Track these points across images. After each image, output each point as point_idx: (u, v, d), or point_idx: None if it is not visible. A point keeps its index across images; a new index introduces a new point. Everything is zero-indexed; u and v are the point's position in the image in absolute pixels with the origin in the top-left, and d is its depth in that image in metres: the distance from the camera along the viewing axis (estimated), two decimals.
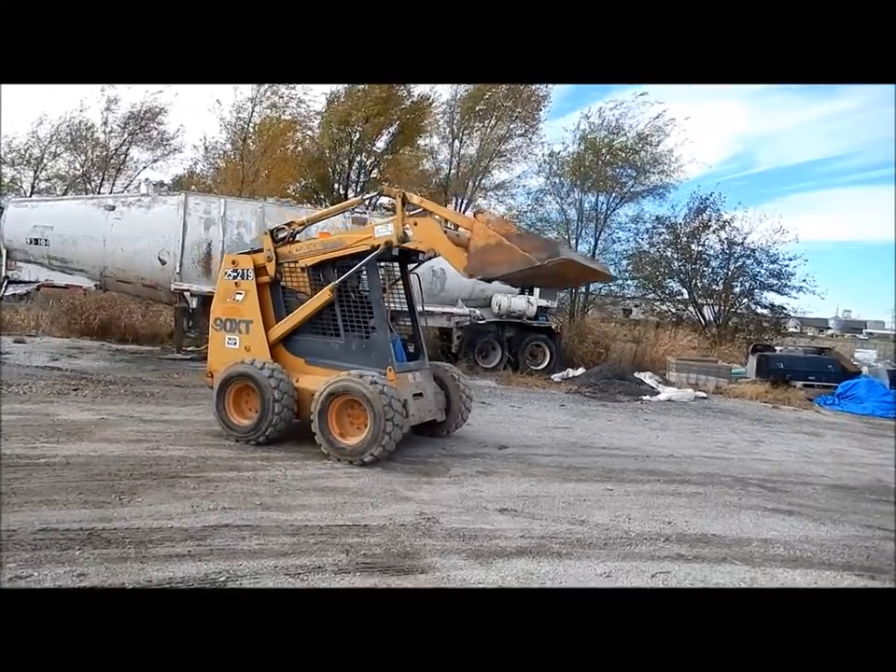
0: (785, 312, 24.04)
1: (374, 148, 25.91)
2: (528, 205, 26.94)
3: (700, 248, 23.81)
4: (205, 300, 12.59)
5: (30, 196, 23.86)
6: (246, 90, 22.82)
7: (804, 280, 22.63)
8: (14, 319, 14.88)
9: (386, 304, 7.05)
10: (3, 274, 12.23)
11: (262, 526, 4.35)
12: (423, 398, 6.94)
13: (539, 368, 15.14)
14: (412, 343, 7.46)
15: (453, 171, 26.58)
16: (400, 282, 7.38)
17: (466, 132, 26.41)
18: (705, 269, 23.88)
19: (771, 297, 23.38)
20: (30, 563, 3.50)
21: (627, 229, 25.76)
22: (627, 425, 10.12)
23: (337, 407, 6.19)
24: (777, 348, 18.87)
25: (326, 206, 22.04)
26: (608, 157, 24.55)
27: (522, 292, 14.91)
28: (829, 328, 52.73)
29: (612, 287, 25.70)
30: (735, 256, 23.30)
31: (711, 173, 58.93)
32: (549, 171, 25.90)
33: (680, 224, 24.02)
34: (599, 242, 25.46)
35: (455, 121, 25.95)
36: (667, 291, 24.73)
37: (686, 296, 24.24)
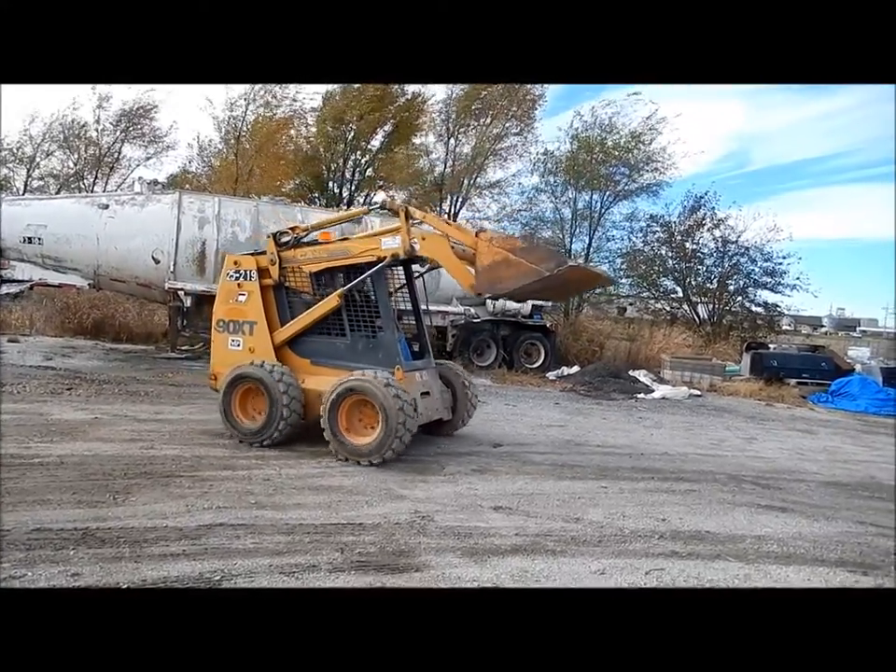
0: (779, 310, 24.14)
1: (369, 147, 25.87)
2: (523, 204, 26.96)
3: (694, 247, 23.86)
4: (199, 298, 12.58)
5: (23, 195, 23.74)
6: (238, 87, 22.76)
7: (797, 278, 22.72)
8: (7, 318, 14.80)
9: (393, 304, 7.03)
10: None
11: (257, 525, 4.35)
12: (430, 396, 6.94)
13: (534, 366, 15.17)
14: (416, 341, 7.46)
15: (448, 169, 26.56)
16: (404, 281, 7.37)
17: (461, 130, 26.41)
18: (699, 267, 23.93)
19: (765, 295, 23.47)
20: (24, 563, 3.49)
21: (621, 227, 25.81)
22: (622, 423, 10.15)
23: (347, 407, 6.15)
24: (770, 346, 18.94)
25: (320, 205, 22.06)
26: (601, 155, 24.58)
27: None
28: (823, 325, 52.96)
29: (607, 286, 25.71)
30: (730, 254, 23.36)
31: (706, 171, 59.11)
32: (543, 169, 25.93)
33: (675, 222, 24.08)
34: (593, 240, 25.50)
35: (451, 120, 25.93)
36: (662, 289, 24.79)
37: (680, 294, 24.30)
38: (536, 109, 26.29)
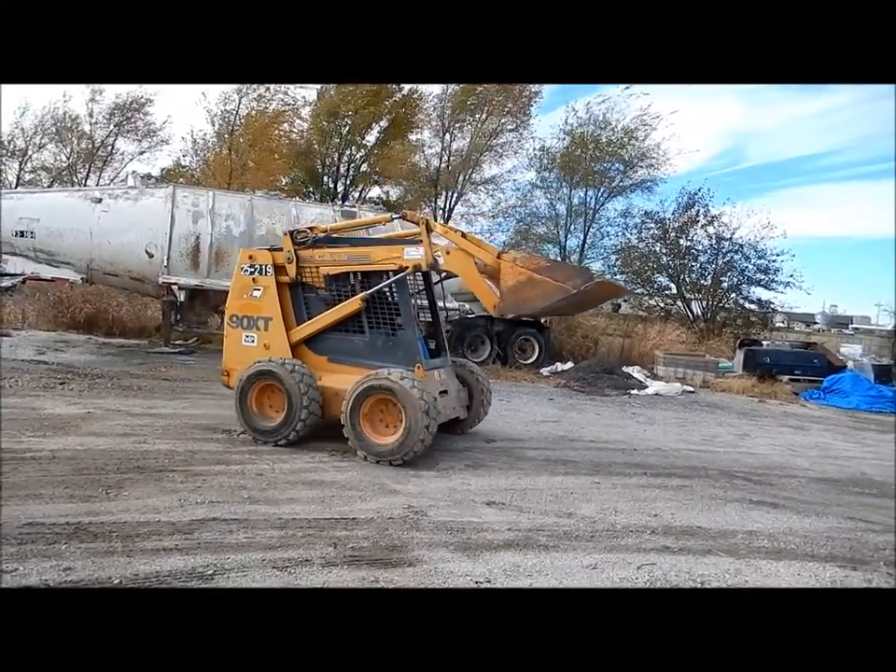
0: (772, 307, 24.23)
1: (364, 142, 25.81)
2: (518, 200, 26.99)
3: (688, 243, 23.94)
4: (193, 293, 12.55)
5: (15, 188, 23.59)
6: None
7: (791, 275, 22.84)
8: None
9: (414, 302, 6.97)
10: None
11: (250, 520, 4.35)
12: (447, 395, 6.92)
13: (528, 362, 15.19)
14: (432, 339, 7.45)
15: (443, 164, 26.54)
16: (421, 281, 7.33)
17: (457, 126, 26.39)
18: (693, 264, 24.01)
19: (759, 292, 23.56)
20: (15, 557, 3.49)
21: (616, 224, 25.92)
22: (615, 418, 10.19)
23: (369, 406, 6.10)
24: (763, 343, 19.02)
25: (314, 200, 22.00)
26: (595, 152, 24.61)
27: None
28: (816, 322, 53.11)
29: None
30: (724, 251, 23.44)
31: (700, 168, 59.12)
32: (539, 165, 25.95)
33: (669, 219, 24.15)
34: (588, 237, 25.55)
35: (446, 116, 25.90)
36: (656, 286, 24.87)
37: (674, 291, 24.37)
38: (532, 105, 26.32)
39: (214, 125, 24.12)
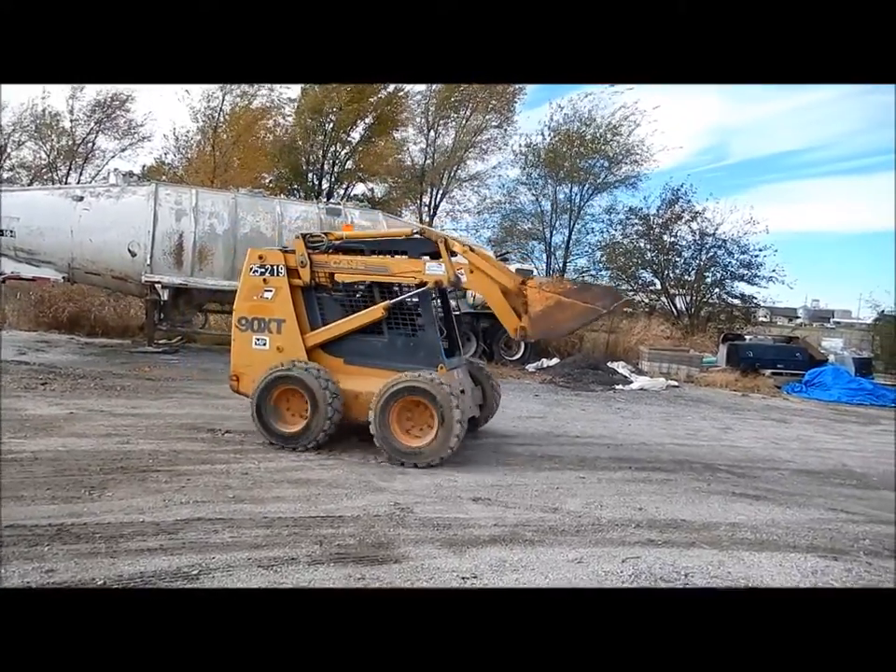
0: (755, 301, 24.44)
1: (349, 139, 25.71)
2: (503, 196, 27.03)
3: (672, 239, 24.06)
4: (177, 291, 12.46)
5: None
6: None
7: (773, 270, 23.01)
8: None
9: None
10: None
11: (235, 519, 4.34)
12: (464, 395, 6.85)
13: (514, 358, 15.23)
14: (445, 339, 7.41)
15: (428, 161, 26.51)
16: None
17: (441, 122, 26.36)
18: (677, 259, 24.14)
19: (742, 287, 23.75)
20: None
21: (601, 220, 26.01)
22: (600, 413, 10.25)
23: (399, 408, 6.08)
24: (746, 337, 19.20)
25: (299, 197, 21.89)
26: (580, 148, 24.69)
27: None
28: (798, 317, 53.72)
29: (586, 278, 25.92)
30: (707, 246, 23.58)
31: (684, 164, 59.59)
32: (524, 162, 26.00)
33: (653, 215, 24.26)
34: (573, 233, 25.65)
35: (431, 112, 25.87)
36: (640, 282, 24.99)
37: (659, 286, 24.51)
38: (516, 102, 26.35)
39: (197, 122, 23.94)
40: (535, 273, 16.94)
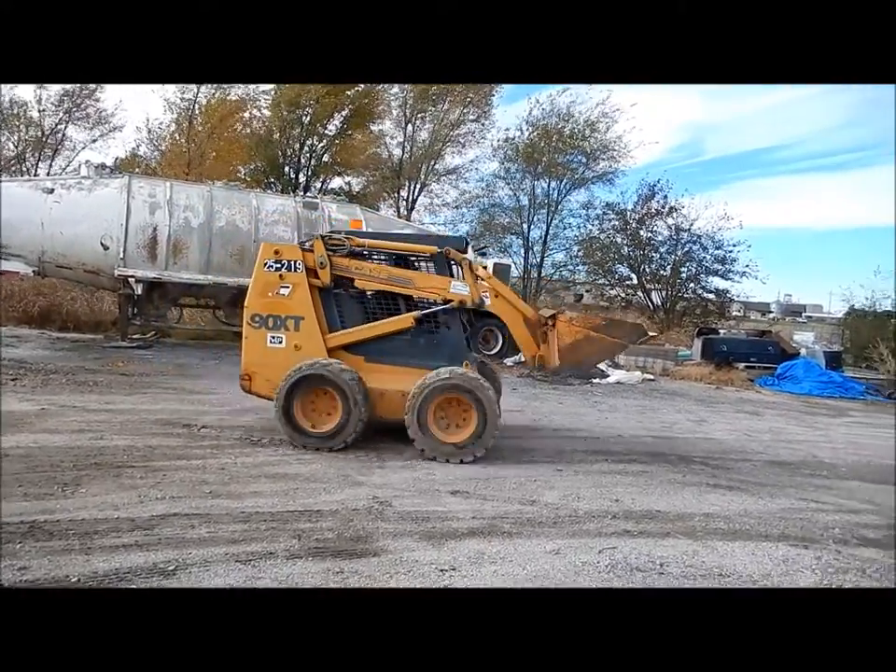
0: (729, 296, 24.83)
1: (326, 131, 25.50)
2: (481, 190, 27.04)
3: (648, 234, 24.37)
4: (151, 286, 12.30)
5: None
6: None
7: (747, 265, 23.42)
8: None
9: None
10: None
11: (212, 514, 4.30)
12: None
13: (492, 353, 15.26)
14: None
15: (406, 155, 26.41)
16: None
17: (419, 115, 26.26)
18: (653, 254, 24.45)
19: (716, 282, 24.11)
20: None
21: (578, 215, 26.19)
22: (577, 407, 10.33)
23: (435, 405, 6.14)
24: (720, 331, 19.48)
25: (276, 191, 21.68)
26: (558, 143, 24.80)
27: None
28: (771, 311, 54.54)
29: (563, 273, 26.12)
30: (682, 242, 23.91)
31: (660, 160, 60.16)
32: (503, 156, 26.05)
33: (629, 211, 24.51)
34: (551, 228, 25.78)
35: (408, 105, 25.76)
36: (617, 276, 25.26)
37: (635, 281, 24.77)
38: (493, 95, 26.33)
39: (171, 113, 23.56)
40: (513, 266, 17.04)
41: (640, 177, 29.44)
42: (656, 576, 3.92)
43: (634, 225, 24.40)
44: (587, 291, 28.52)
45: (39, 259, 11.83)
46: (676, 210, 23.73)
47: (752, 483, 6.35)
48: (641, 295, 24.61)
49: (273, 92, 24.20)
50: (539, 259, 26.29)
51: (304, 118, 24.38)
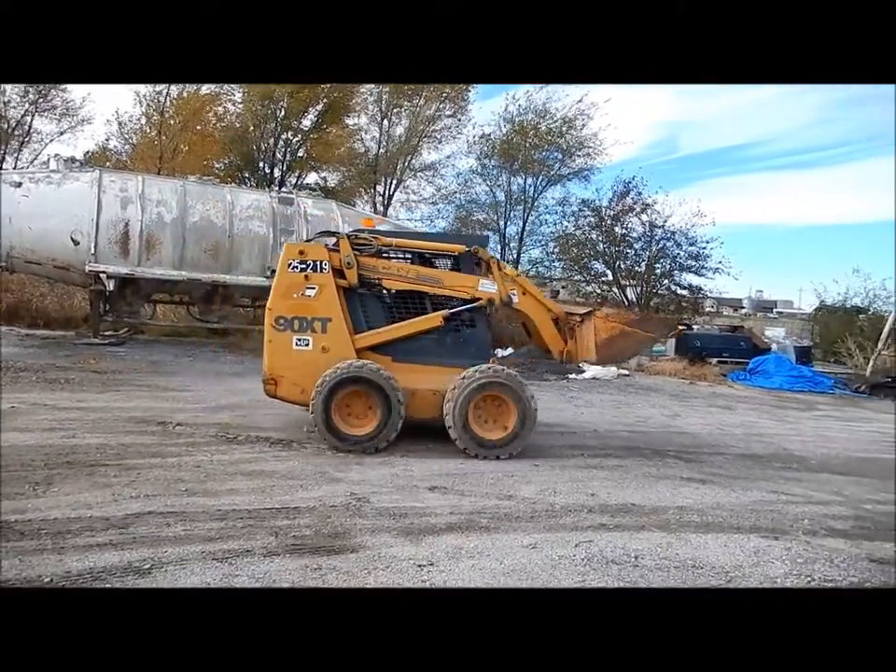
0: (703, 292, 25.14)
1: (301, 126, 25.26)
2: (458, 186, 27.03)
3: (623, 231, 24.51)
4: (123, 281, 12.10)
5: None
6: None
7: (720, 262, 23.66)
8: None
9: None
10: None
11: (188, 512, 4.27)
12: None
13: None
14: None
15: (381, 150, 26.29)
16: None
17: (394, 111, 26.14)
18: (628, 251, 24.61)
19: (690, 278, 24.37)
20: None
21: (554, 211, 26.28)
22: (554, 402, 10.40)
23: (475, 403, 6.26)
24: (694, 327, 19.75)
25: (250, 186, 21.45)
26: (535, 140, 24.88)
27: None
28: (743, 307, 55.41)
29: (540, 269, 26.26)
30: (657, 238, 24.10)
31: (635, 157, 60.75)
32: (479, 152, 26.06)
33: (605, 207, 24.65)
34: (527, 224, 25.88)
35: (384, 100, 25.62)
36: (592, 272, 25.40)
37: (610, 277, 24.96)
38: (469, 91, 26.29)
39: (142, 105, 23.13)
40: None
41: (616, 174, 29.62)
42: (631, 568, 3.98)
43: (609, 222, 24.55)
44: (563, 287, 28.68)
45: (7, 254, 11.59)
46: (650, 207, 23.95)
47: (725, 477, 6.47)
48: (616, 291, 24.80)
49: (246, 86, 23.90)
50: (515, 256, 26.38)
51: (278, 112, 24.12)
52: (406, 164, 26.56)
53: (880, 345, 16.85)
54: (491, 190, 26.41)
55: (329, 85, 24.18)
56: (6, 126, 25.07)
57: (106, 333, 12.69)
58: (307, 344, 6.33)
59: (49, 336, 12.81)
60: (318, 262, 6.37)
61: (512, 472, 5.91)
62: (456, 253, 6.76)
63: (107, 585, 3.23)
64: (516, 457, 6.47)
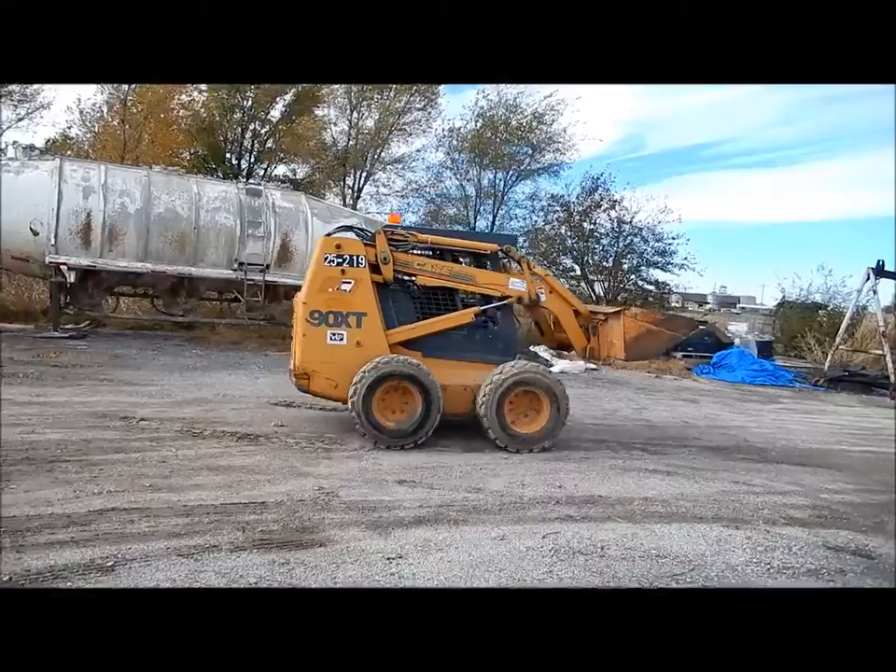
0: (669, 287, 25.56)
1: (269, 117, 24.90)
2: (428, 180, 26.97)
3: (592, 226, 24.75)
4: (85, 273, 11.82)
5: None
6: None
7: (685, 258, 24.07)
8: None
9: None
10: None
11: (152, 508, 4.21)
12: None
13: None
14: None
15: (351, 142, 26.06)
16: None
17: (364, 103, 25.93)
18: (596, 246, 24.86)
19: (656, 273, 24.75)
20: None
21: (524, 206, 26.41)
22: None
23: (511, 398, 6.43)
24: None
25: (218, 177, 21.10)
26: (505, 135, 24.94)
27: None
28: (707, 303, 56.41)
29: None
30: (624, 234, 24.39)
31: (603, 153, 61.44)
32: (448, 146, 26.03)
33: (574, 203, 24.86)
34: (497, 218, 25.95)
35: (353, 92, 25.38)
36: (561, 267, 25.59)
37: (579, 272, 25.19)
38: (439, 84, 26.18)
39: (104, 93, 22.53)
40: None
41: (584, 170, 29.80)
42: (597, 559, 4.04)
43: (577, 217, 24.78)
44: None
45: None
46: (618, 203, 24.23)
47: (689, 468, 6.59)
48: (585, 286, 25.04)
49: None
50: None
51: (245, 102, 23.73)
52: (376, 157, 26.40)
53: (838, 340, 17.29)
54: (461, 185, 26.43)
55: None
56: None
57: (67, 326, 12.39)
58: (341, 339, 6.37)
59: (6, 330, 12.44)
60: (355, 257, 6.40)
61: (481, 465, 5.95)
62: (489, 251, 6.98)
63: (69, 584, 3.18)
64: (485, 450, 6.51)
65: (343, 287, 6.36)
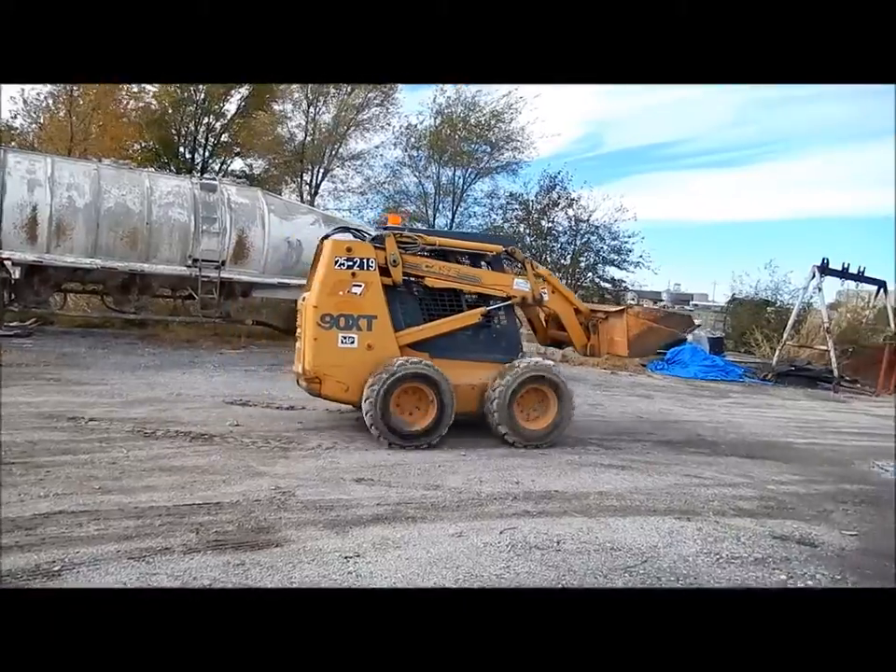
0: (624, 285, 26.07)
1: (223, 110, 24.41)
2: (386, 177, 26.85)
3: (550, 225, 25.07)
4: (31, 269, 11.42)
5: None
6: None
7: (641, 256, 24.61)
8: None
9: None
10: None
11: (102, 511, 4.10)
12: None
13: None
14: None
15: (308, 138, 25.75)
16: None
17: (321, 98, 25.64)
18: (554, 244, 25.22)
19: (612, 271, 25.22)
20: None
21: (483, 204, 26.57)
22: None
23: (521, 395, 6.58)
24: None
25: (171, 171, 20.60)
26: (464, 132, 25.01)
27: None
28: (662, 300, 57.48)
29: None
30: (581, 232, 24.80)
31: (561, 152, 62.03)
32: (406, 143, 25.96)
33: (532, 201, 25.11)
34: (456, 216, 26.02)
35: (309, 86, 25.07)
36: None
37: None
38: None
39: (48, 84, 21.75)
40: None
41: (542, 168, 30.15)
42: (553, 553, 4.10)
43: (536, 215, 25.05)
44: None
45: None
46: (575, 202, 24.57)
47: (643, 462, 6.74)
48: None
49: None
50: None
51: (198, 95, 23.20)
52: (334, 153, 26.15)
53: (785, 336, 17.88)
54: (420, 182, 26.41)
55: None
56: None
57: (11, 324, 11.94)
58: (352, 342, 6.36)
59: None
60: (365, 260, 6.39)
61: (440, 463, 5.96)
62: (494, 253, 7.09)
63: (10, 586, 3.07)
64: (443, 448, 6.53)
65: (354, 290, 6.36)
